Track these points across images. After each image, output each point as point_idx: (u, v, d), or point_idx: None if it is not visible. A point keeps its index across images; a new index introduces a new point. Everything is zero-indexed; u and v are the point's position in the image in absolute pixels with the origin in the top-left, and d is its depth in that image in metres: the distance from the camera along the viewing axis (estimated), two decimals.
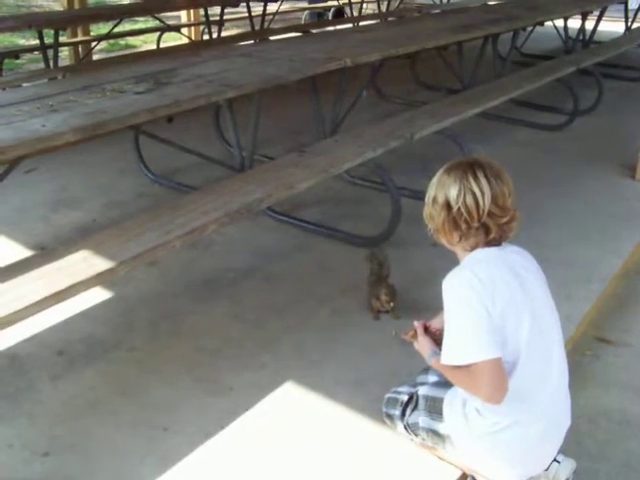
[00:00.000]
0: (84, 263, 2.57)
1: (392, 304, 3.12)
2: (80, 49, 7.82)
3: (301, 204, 4.17)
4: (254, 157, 4.16)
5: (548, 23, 8.13)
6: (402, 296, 3.17)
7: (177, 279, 3.52)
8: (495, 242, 2.02)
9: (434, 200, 2.03)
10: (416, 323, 2.23)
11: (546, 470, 2.15)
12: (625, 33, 9.04)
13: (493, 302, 1.90)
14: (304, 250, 3.82)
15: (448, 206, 1.98)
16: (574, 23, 7.95)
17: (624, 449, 2.54)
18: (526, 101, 6.35)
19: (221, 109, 4.35)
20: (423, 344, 2.16)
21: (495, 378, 1.88)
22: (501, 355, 1.88)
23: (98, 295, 3.27)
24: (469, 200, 1.95)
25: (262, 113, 4.08)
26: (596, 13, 8.12)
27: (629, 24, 9.34)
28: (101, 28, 9.93)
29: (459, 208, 1.96)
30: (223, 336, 3.04)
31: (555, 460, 2.17)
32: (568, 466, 2.19)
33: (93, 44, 7.74)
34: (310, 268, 3.63)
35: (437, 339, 2.15)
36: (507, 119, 6.15)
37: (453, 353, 1.95)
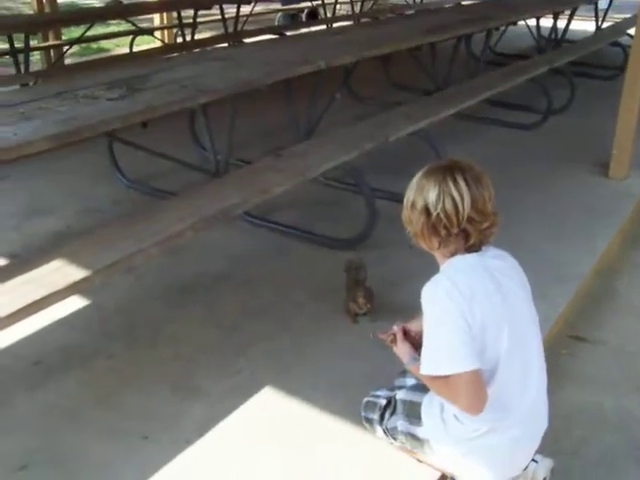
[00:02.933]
0: (58, 273, 2.55)
1: (369, 306, 3.13)
2: (52, 53, 7.76)
3: (277, 207, 4.17)
4: (229, 161, 4.16)
5: (521, 22, 8.20)
6: (379, 299, 3.18)
7: (154, 285, 3.51)
8: (475, 248, 1.99)
9: (413, 205, 1.99)
10: (395, 327, 2.21)
11: (524, 470, 2.17)
12: (596, 32, 9.13)
13: (472, 313, 1.88)
14: (280, 254, 3.82)
15: (427, 211, 1.95)
16: (546, 22, 8.03)
17: (599, 446, 2.58)
18: (500, 100, 6.38)
19: (196, 113, 4.33)
20: (402, 350, 2.15)
21: (474, 389, 1.88)
22: (480, 366, 1.87)
23: (74, 303, 3.24)
24: (448, 205, 1.91)
25: (237, 117, 4.08)
26: (567, 12, 8.20)
27: (599, 23, 9.45)
28: (73, 31, 9.85)
29: (438, 214, 1.92)
30: (200, 342, 3.03)
31: (533, 460, 2.19)
32: (546, 465, 2.22)
33: (65, 48, 7.67)
34: (287, 272, 3.64)
35: (417, 343, 2.13)
36: (481, 119, 6.19)
37: (431, 364, 1.94)
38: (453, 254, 2.00)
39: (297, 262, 3.74)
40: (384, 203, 3.88)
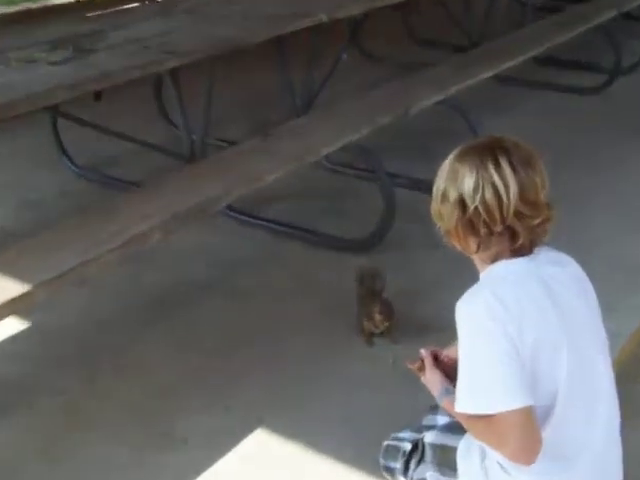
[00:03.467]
0: None
1: (388, 324, 3.13)
2: None
3: (269, 200, 4.18)
4: (207, 142, 4.16)
5: None
6: (400, 314, 3.18)
7: (115, 301, 3.52)
8: (524, 250, 1.95)
9: (444, 195, 1.96)
10: (423, 352, 2.19)
11: None
12: None
13: (521, 335, 1.85)
14: (275, 258, 3.83)
15: (462, 204, 1.91)
16: None
17: None
18: (552, 58, 6.37)
19: (164, 81, 4.34)
20: (432, 380, 2.13)
21: (524, 433, 1.84)
22: (532, 402, 1.85)
23: (14, 325, 3.25)
24: (489, 196, 1.87)
25: (216, 85, 4.08)
26: None
27: None
28: None
29: (476, 207, 1.88)
30: (177, 372, 3.03)
31: None
32: None
33: None
34: (282, 282, 3.64)
35: (451, 371, 2.13)
36: (529, 82, 6.19)
37: (469, 399, 1.91)
38: (496, 258, 1.98)
39: (295, 269, 3.75)
40: (405, 193, 3.88)
